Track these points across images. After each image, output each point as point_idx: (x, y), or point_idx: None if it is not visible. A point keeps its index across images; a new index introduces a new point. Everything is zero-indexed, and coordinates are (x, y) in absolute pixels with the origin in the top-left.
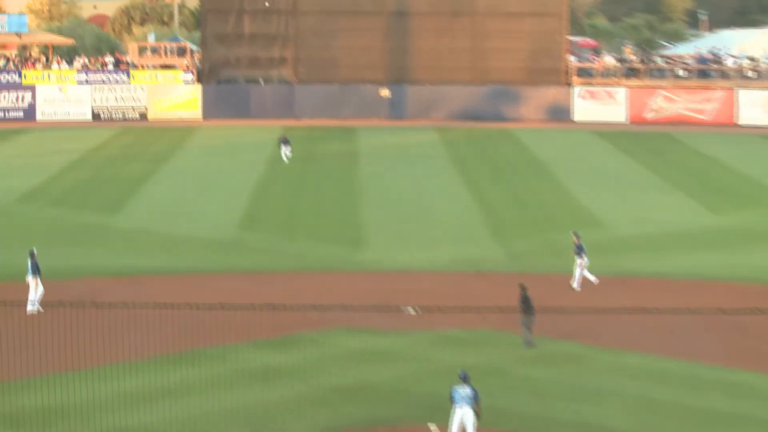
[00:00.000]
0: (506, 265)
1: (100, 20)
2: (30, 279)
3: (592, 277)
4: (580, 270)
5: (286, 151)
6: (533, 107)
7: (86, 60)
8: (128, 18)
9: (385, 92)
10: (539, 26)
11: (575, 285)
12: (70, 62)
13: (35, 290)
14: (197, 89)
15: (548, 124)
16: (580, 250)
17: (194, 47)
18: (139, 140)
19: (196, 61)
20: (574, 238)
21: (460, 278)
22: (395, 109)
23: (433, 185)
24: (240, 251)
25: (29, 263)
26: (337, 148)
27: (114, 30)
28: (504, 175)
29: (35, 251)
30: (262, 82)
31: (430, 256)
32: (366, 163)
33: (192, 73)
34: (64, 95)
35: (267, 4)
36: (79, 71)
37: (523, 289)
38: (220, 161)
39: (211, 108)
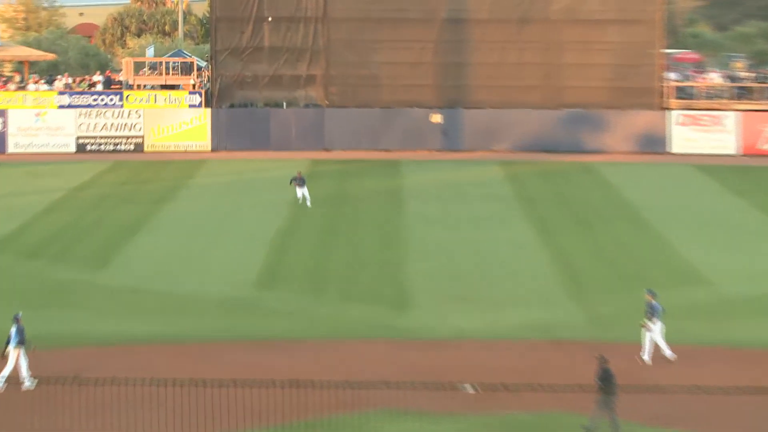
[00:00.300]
0: (587, 332)
1: (87, 30)
2: (11, 350)
3: (667, 351)
4: (651, 337)
5: (304, 193)
6: (620, 136)
7: (70, 79)
8: (122, 28)
9: (436, 118)
10: (628, 36)
11: (646, 357)
12: (50, 82)
13: (15, 364)
14: (205, 114)
15: (639, 156)
16: (652, 313)
17: (202, 63)
18: (134, 177)
19: (205, 80)
20: (647, 296)
21: (529, 348)
22: (449, 139)
23: (496, 232)
24: (257, 314)
25: (12, 330)
26: (376, 185)
27: (104, 42)
28: (584, 220)
29: (20, 316)
30: (284, 106)
31: (492, 321)
32: (412, 205)
33: (199, 94)
34: (43, 122)
35: (270, 18)
36: (61, 93)
37: (602, 361)
38: (232, 203)
39: (223, 137)
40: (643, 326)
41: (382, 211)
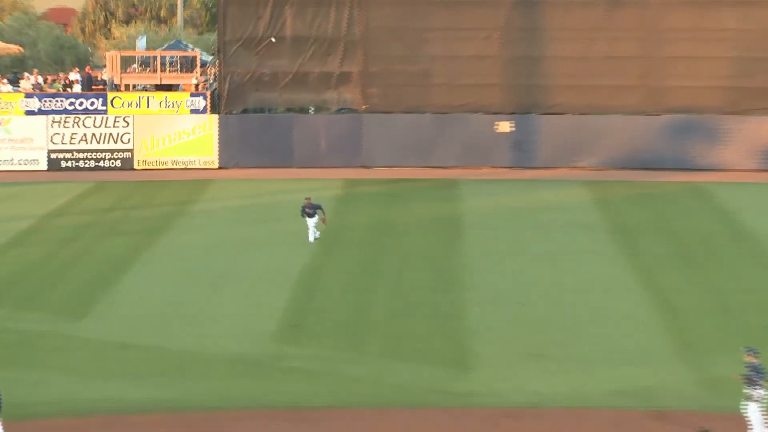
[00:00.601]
0: (698, 400)
1: (62, 17)
2: None
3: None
4: (756, 410)
5: (311, 228)
6: (741, 149)
7: (40, 78)
8: (105, 13)
9: (504, 126)
10: (752, 22)
11: None
12: (14, 81)
13: None
14: (211, 122)
15: (765, 175)
16: (755, 378)
17: (207, 57)
18: (121, 201)
19: (210, 78)
20: (748, 357)
21: (625, 419)
22: (521, 152)
23: (581, 271)
24: (276, 376)
25: None
26: (428, 212)
27: (83, 32)
28: (694, 256)
29: None
30: (312, 112)
31: (579, 385)
32: (474, 237)
33: (204, 97)
34: (6, 132)
35: (273, 39)
36: (28, 95)
37: None
38: (246, 234)
39: (234, 151)
40: (748, 396)
41: (435, 245)
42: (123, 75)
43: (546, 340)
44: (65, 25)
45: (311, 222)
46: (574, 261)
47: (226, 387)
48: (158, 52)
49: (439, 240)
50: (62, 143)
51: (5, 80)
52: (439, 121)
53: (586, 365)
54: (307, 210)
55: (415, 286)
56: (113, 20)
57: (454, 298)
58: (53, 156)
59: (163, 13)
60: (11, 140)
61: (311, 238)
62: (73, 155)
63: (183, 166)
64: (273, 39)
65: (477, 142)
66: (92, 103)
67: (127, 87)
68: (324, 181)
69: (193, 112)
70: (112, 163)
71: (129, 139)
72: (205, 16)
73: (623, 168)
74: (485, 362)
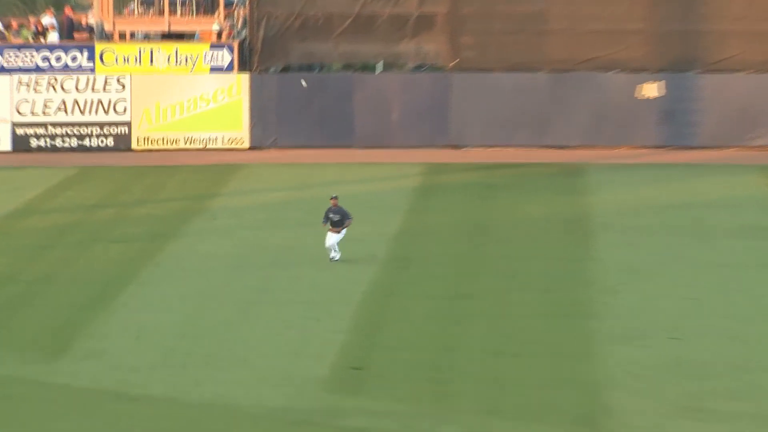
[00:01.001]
0: None
1: None
2: None
3: None
4: None
5: (333, 245)
6: None
7: (0, 23)
8: None
9: (650, 90)
10: None
11: None
12: None
13: None
14: (240, 85)
15: None
16: None
17: None
18: (114, 195)
19: (238, 24)
20: None
21: None
22: (674, 126)
23: (760, 294)
24: None
25: None
26: (542, 210)
27: None
28: None
29: None
30: (379, 70)
31: None
32: (607, 244)
33: (229, 49)
34: None
35: (304, 83)
36: None
37: None
38: (287, 240)
39: (271, 125)
40: None
41: (552, 257)
42: (117, 19)
43: (708, 389)
44: None
45: (334, 237)
46: (748, 280)
47: None
48: None
49: (558, 249)
50: (32, 114)
51: None
52: (558, 83)
53: (765, 424)
54: (331, 216)
55: (524, 314)
56: None
57: (580, 331)
58: (20, 132)
59: None
60: None
61: (333, 256)
62: (47, 131)
63: (200, 146)
64: (304, 83)
65: (611, 112)
66: (74, 58)
67: (122, 36)
68: (396, 167)
69: (214, 70)
70: (102, 142)
71: (125, 109)
72: None
73: None
74: (624, 420)
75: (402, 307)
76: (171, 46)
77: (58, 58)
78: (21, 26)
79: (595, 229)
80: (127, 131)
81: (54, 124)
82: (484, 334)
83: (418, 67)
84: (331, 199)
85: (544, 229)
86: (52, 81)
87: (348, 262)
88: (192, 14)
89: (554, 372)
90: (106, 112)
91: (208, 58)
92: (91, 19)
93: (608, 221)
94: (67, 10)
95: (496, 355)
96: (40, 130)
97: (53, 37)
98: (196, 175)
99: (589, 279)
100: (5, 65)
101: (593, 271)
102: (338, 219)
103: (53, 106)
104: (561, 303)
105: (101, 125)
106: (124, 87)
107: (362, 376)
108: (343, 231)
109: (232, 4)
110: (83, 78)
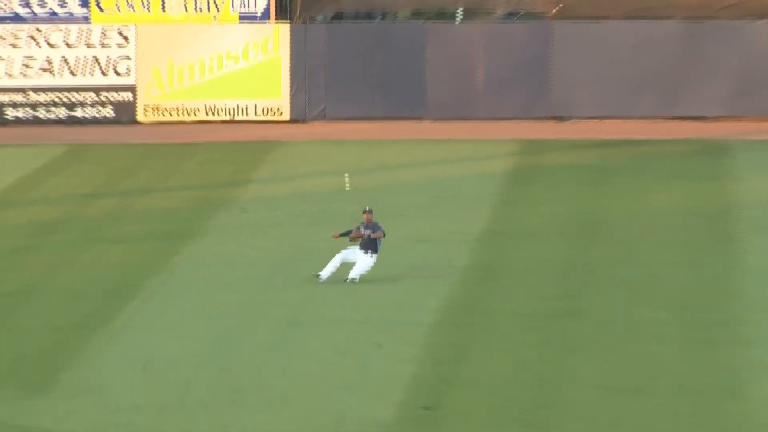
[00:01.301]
0: None
1: None
2: None
3: None
4: None
5: (361, 262)
6: None
7: None
8: None
9: None
10: None
11: None
12: None
13: None
14: (278, 38)
15: None
16: None
17: None
18: (115, 181)
19: None
20: None
21: None
22: None
23: None
24: None
25: None
26: (672, 200)
27: None
28: None
29: None
30: (459, 19)
31: None
32: (761, 244)
33: None
34: None
35: (347, 185)
36: None
37: None
38: (334, 240)
39: (317, 90)
40: None
41: (688, 261)
42: None
43: None
44: None
45: (363, 257)
46: None
47: None
48: None
49: (695, 253)
50: (8, 76)
51: None
52: (694, 35)
53: None
54: (363, 229)
55: (651, 338)
56: None
57: (730, 359)
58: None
59: None
60: None
61: (353, 275)
62: (29, 98)
63: (226, 118)
64: (347, 185)
65: (764, 73)
66: (62, 4)
67: None
68: (483, 144)
69: (244, 19)
70: (99, 113)
71: (128, 69)
72: None
73: None
74: None
75: (487, 329)
76: None
77: (41, 3)
78: None
79: (744, 227)
80: (131, 98)
81: (36, 90)
82: (597, 364)
83: (510, 15)
84: (365, 213)
85: (676, 227)
86: (34, 33)
87: (417, 272)
88: None
89: (693, 414)
90: (104, 74)
91: (237, 2)
92: None
93: (760, 216)
94: None
95: (613, 392)
96: (18, 97)
97: None
98: (220, 155)
99: (739, 292)
100: None
101: (743, 282)
102: (371, 239)
103: (35, 65)
104: (701, 324)
105: (97, 91)
106: (127, 41)
107: (436, 418)
108: (374, 257)
109: None
110: (74, 30)
